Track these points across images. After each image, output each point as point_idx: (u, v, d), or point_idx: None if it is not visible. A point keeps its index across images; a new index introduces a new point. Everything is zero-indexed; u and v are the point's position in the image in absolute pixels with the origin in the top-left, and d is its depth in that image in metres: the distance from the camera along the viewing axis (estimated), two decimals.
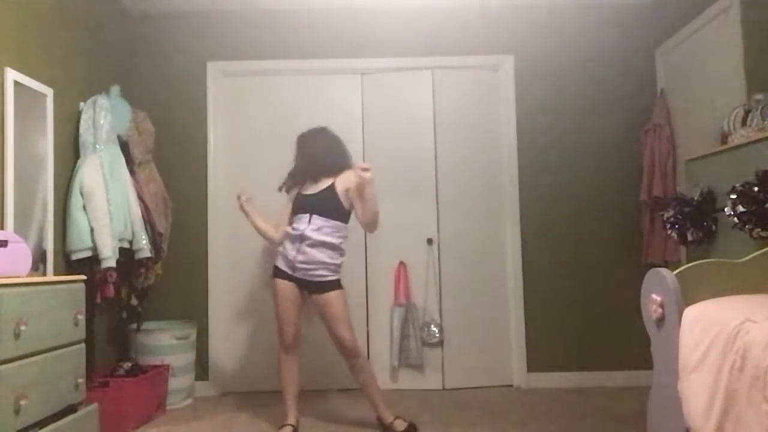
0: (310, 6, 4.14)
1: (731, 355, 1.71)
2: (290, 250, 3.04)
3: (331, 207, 3.05)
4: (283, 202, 3.25)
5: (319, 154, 3.15)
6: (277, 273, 3.10)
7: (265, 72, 4.19)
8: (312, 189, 3.12)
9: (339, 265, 3.08)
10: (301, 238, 3.01)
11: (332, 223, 3.04)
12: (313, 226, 3.01)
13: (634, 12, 4.16)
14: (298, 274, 3.03)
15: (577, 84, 4.17)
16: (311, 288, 3.06)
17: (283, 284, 3.07)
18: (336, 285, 3.06)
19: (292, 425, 3.06)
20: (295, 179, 3.22)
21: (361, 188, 2.99)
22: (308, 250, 3.00)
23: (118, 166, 3.29)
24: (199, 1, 4.07)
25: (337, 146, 3.21)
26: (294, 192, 3.21)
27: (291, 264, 3.04)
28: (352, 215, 3.13)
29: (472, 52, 4.18)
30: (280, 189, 3.24)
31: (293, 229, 3.06)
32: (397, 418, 3.05)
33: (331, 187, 3.08)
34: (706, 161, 3.04)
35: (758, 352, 1.59)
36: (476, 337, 4.04)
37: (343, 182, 3.09)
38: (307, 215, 3.03)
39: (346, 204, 3.08)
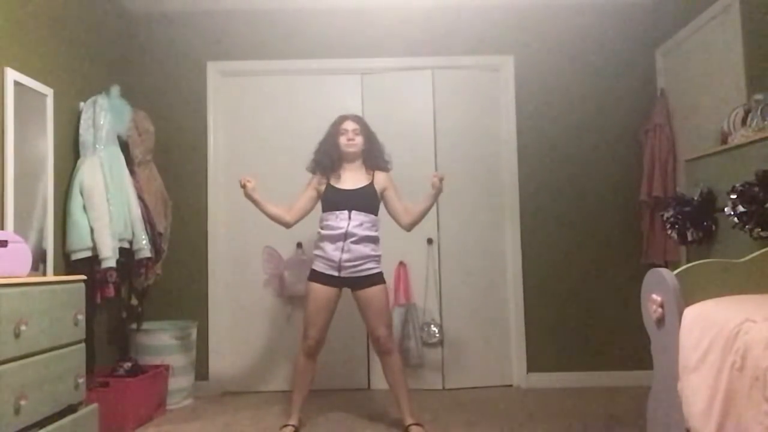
0: (310, 6, 4.14)
1: (731, 355, 1.71)
2: (333, 251, 2.99)
3: (370, 203, 3.06)
4: (301, 188, 3.19)
5: (366, 147, 3.15)
6: (316, 277, 3.04)
7: (265, 72, 4.19)
8: (347, 184, 3.08)
9: (380, 256, 3.08)
10: (345, 236, 2.97)
11: (370, 217, 3.05)
12: (354, 222, 2.99)
13: (634, 12, 4.16)
14: (344, 274, 2.99)
15: (577, 84, 4.17)
16: (356, 284, 3.02)
17: (320, 289, 3.02)
18: (380, 279, 3.04)
19: (294, 426, 3.04)
20: (325, 163, 3.13)
21: (396, 193, 3.13)
22: (353, 246, 2.97)
23: (118, 166, 3.29)
24: (199, 1, 4.07)
25: (377, 141, 3.21)
26: (317, 179, 3.14)
27: (336, 265, 2.99)
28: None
29: (472, 52, 4.18)
30: (311, 170, 3.18)
31: (331, 228, 3.01)
32: (415, 425, 3.00)
33: (371, 186, 3.09)
34: (706, 161, 3.04)
35: (758, 352, 1.59)
36: (476, 337, 4.04)
37: (381, 182, 3.12)
38: (346, 212, 3.01)
39: (379, 200, 3.12)
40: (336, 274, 3.00)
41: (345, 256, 2.97)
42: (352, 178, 3.11)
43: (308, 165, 3.20)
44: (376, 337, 3.04)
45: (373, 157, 3.17)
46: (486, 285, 4.09)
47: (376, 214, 3.10)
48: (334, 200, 3.06)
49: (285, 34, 4.18)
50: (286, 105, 4.17)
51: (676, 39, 3.85)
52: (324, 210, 3.10)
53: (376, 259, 3.06)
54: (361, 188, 3.07)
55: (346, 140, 3.11)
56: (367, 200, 3.05)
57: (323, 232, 3.05)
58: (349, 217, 3.00)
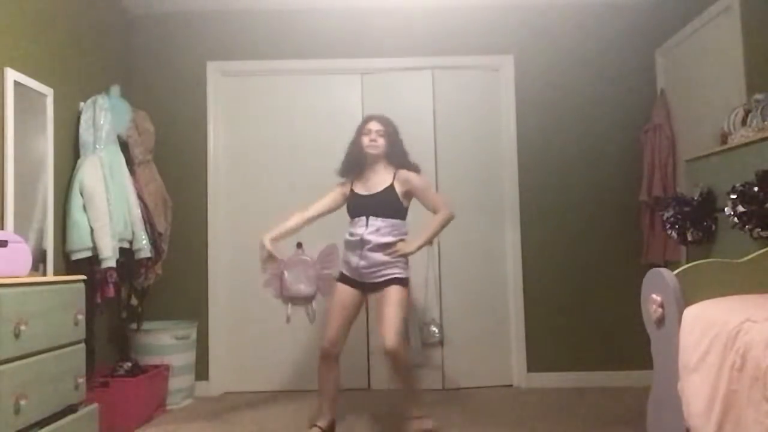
0: (310, 6, 4.14)
1: (731, 355, 1.71)
2: (352, 257, 2.94)
3: (389, 207, 2.93)
4: (330, 188, 3.11)
5: (389, 150, 3.01)
6: (342, 278, 3.01)
7: (265, 72, 4.19)
8: (368, 189, 2.99)
9: (404, 261, 2.94)
10: (362, 244, 2.90)
11: (390, 221, 2.91)
12: (371, 228, 2.89)
13: (634, 12, 4.16)
14: (366, 280, 2.93)
15: (577, 84, 4.17)
16: (375, 289, 2.93)
17: (342, 289, 2.98)
18: (395, 281, 2.89)
19: (321, 428, 2.95)
20: (351, 166, 3.07)
21: (425, 194, 3.01)
22: (369, 254, 2.89)
23: (118, 166, 3.29)
24: (199, 1, 4.07)
25: (401, 144, 3.08)
26: (346, 185, 3.07)
27: (356, 272, 2.94)
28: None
29: (472, 52, 4.18)
30: (340, 174, 3.11)
31: (351, 234, 2.95)
32: (417, 417, 2.94)
33: (391, 188, 2.95)
34: (706, 161, 3.04)
35: (758, 352, 1.59)
36: (476, 337, 4.03)
37: (403, 184, 2.97)
38: (364, 218, 2.92)
39: (405, 203, 2.98)
40: (358, 279, 2.96)
41: (362, 263, 2.91)
42: (374, 182, 3.00)
43: (338, 168, 3.12)
44: (380, 336, 2.93)
45: (396, 157, 3.03)
46: (486, 285, 4.09)
47: (399, 218, 2.95)
48: (353, 207, 3.00)
49: (285, 34, 4.18)
50: (286, 105, 4.17)
51: (676, 39, 3.85)
52: (349, 218, 3.04)
53: (397, 264, 2.91)
54: (379, 192, 2.97)
55: (368, 140, 3.00)
56: (384, 204, 2.94)
57: (346, 238, 2.99)
58: (366, 224, 2.91)
